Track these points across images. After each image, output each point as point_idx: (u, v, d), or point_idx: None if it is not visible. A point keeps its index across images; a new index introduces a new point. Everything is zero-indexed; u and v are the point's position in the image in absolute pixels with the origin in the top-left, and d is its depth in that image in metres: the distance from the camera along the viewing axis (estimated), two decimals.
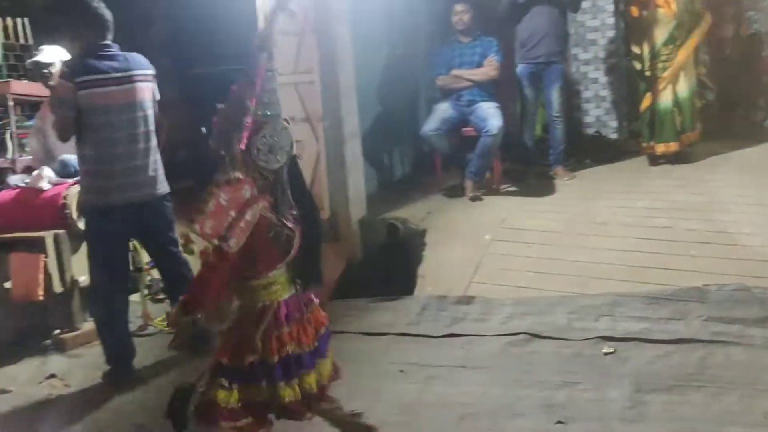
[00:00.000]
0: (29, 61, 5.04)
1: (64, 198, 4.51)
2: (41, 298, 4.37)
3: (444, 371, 3.73)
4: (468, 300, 4.62)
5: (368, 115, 6.04)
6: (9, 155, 5.97)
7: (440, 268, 5.05)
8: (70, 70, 3.66)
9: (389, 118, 6.70)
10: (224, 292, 2.47)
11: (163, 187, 4.03)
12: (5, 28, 6.72)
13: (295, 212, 2.51)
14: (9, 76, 6.57)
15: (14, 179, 4.89)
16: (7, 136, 6.06)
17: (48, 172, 4.70)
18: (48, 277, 4.39)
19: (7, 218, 4.53)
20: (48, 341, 4.53)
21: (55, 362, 4.30)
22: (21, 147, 5.88)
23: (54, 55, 4.81)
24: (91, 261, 4.00)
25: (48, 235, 4.43)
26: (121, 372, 3.95)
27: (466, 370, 3.74)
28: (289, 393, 2.48)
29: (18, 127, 6.00)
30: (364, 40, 5.81)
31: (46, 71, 4.79)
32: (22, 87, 6.00)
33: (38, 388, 3.96)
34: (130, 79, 3.85)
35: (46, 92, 5.18)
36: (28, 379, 4.06)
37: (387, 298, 4.80)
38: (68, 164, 4.79)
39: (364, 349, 4.11)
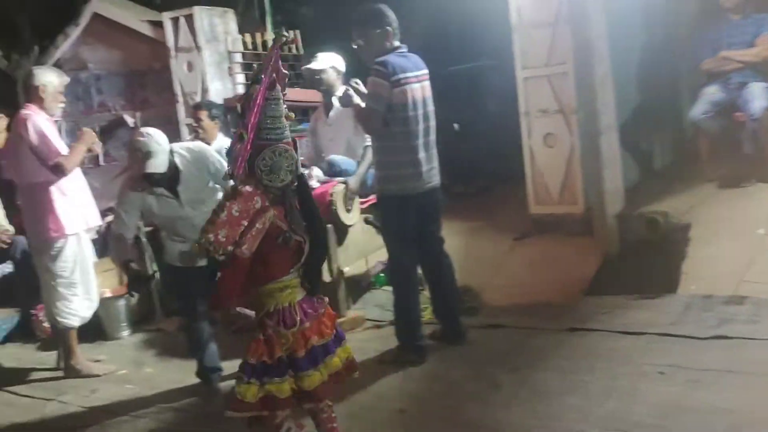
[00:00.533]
0: (303, 68, 5.52)
1: (331, 195, 4.87)
2: None
3: (709, 375, 3.49)
4: (739, 300, 4.27)
5: (625, 105, 5.77)
6: None
7: (706, 266, 4.70)
8: (386, 69, 3.95)
9: (648, 107, 6.35)
10: (242, 290, 2.74)
11: (438, 179, 4.27)
12: None
13: (304, 224, 2.78)
14: None
15: None
16: None
17: (317, 172, 5.09)
18: None
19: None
20: None
21: None
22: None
23: (326, 62, 5.23)
24: (389, 247, 4.29)
25: None
26: (413, 353, 4.17)
27: (734, 375, 3.46)
28: (316, 378, 2.75)
29: (292, 131, 6.58)
30: (621, 28, 5.56)
31: (317, 77, 5.22)
32: (295, 94, 6.57)
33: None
34: (423, 77, 4.15)
35: (318, 98, 5.66)
36: None
37: (646, 296, 4.58)
38: (335, 164, 5.16)
39: (619, 347, 3.97)
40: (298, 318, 2.76)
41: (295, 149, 2.78)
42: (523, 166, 5.71)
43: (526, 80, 5.62)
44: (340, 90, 5.22)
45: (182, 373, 4.48)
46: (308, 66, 5.36)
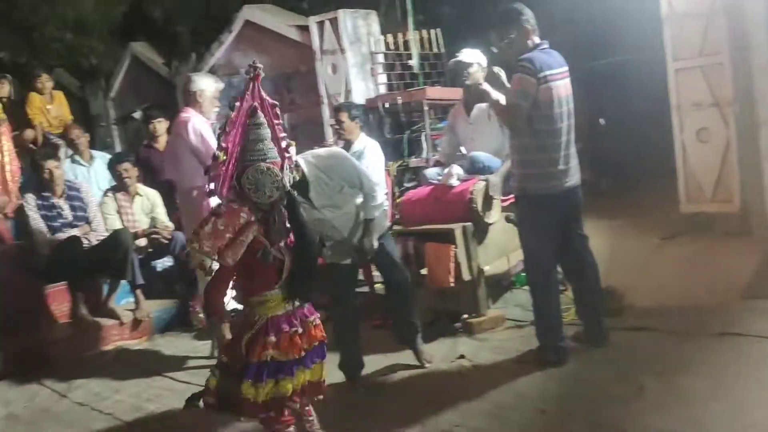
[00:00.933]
0: (451, 61, 5.51)
1: (471, 193, 4.86)
2: (452, 284, 4.78)
3: None
4: None
5: None
6: (423, 155, 6.64)
7: None
8: (532, 66, 3.94)
9: None
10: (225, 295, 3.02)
11: (579, 176, 4.19)
12: (421, 39, 7.46)
13: (287, 241, 2.96)
14: (423, 83, 7.29)
15: (431, 172, 5.37)
16: (422, 137, 6.74)
17: (457, 170, 5.08)
18: (457, 265, 4.77)
19: (424, 212, 5.04)
20: (458, 324, 4.92)
21: (464, 344, 4.65)
22: (434, 147, 6.49)
23: (473, 56, 5.21)
24: (526, 246, 4.26)
25: (457, 227, 4.81)
26: (554, 354, 4.12)
27: None
28: (252, 393, 2.89)
29: (432, 129, 6.64)
30: None
31: (465, 71, 5.20)
32: (435, 92, 6.62)
33: (450, 365, 4.33)
34: (565, 74, 4.09)
35: (457, 96, 5.65)
36: (442, 357, 4.45)
37: None
38: (477, 160, 5.11)
39: None
40: (269, 332, 2.93)
41: (286, 168, 2.98)
42: (672, 162, 5.47)
43: (678, 72, 5.40)
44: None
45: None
46: (457, 59, 5.34)
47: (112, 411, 4.25)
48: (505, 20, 4.10)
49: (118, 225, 5.98)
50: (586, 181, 4.31)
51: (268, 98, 3.07)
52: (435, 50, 7.47)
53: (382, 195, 4.15)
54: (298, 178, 3.26)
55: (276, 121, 3.07)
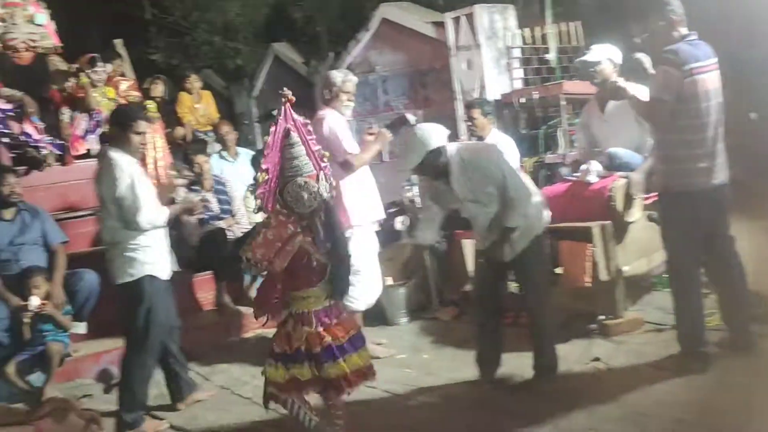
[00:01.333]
0: (577, 60, 5.40)
1: (610, 191, 4.70)
2: (588, 284, 4.66)
3: None
4: None
5: None
6: (560, 151, 6.49)
7: None
8: (677, 59, 3.81)
9: None
10: (277, 296, 3.37)
11: (726, 174, 3.98)
12: (559, 32, 7.30)
13: (327, 247, 3.34)
14: (561, 77, 7.13)
15: (566, 170, 5.26)
16: (559, 133, 6.59)
17: (596, 166, 4.93)
18: (594, 265, 4.64)
19: (559, 209, 4.90)
20: (593, 326, 4.78)
21: (600, 346, 4.51)
22: (571, 143, 6.33)
23: (601, 54, 5.05)
24: (669, 246, 4.11)
25: (595, 226, 4.67)
26: (695, 361, 3.94)
27: None
28: (338, 368, 3.31)
29: (569, 125, 6.48)
30: None
31: (592, 69, 5.07)
32: (573, 86, 6.46)
33: (584, 368, 4.22)
34: (713, 67, 3.92)
35: (594, 90, 5.48)
36: (576, 359, 4.35)
37: None
38: (616, 156, 4.93)
39: None
40: (313, 322, 3.34)
41: (322, 178, 3.36)
42: None
43: None
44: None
45: (457, 362, 4.64)
46: (582, 58, 5.23)
47: (251, 396, 4.43)
48: (650, 10, 3.94)
49: (259, 219, 6.22)
50: (734, 179, 4.07)
51: (299, 119, 3.44)
52: (574, 43, 7.29)
53: (531, 205, 3.99)
54: (334, 184, 3.58)
55: (309, 137, 3.42)
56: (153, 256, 4.14)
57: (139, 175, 4.13)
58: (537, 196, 4.13)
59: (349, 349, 3.36)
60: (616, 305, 4.73)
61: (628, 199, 4.75)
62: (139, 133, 4.20)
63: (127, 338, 4.22)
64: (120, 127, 4.24)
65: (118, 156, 4.11)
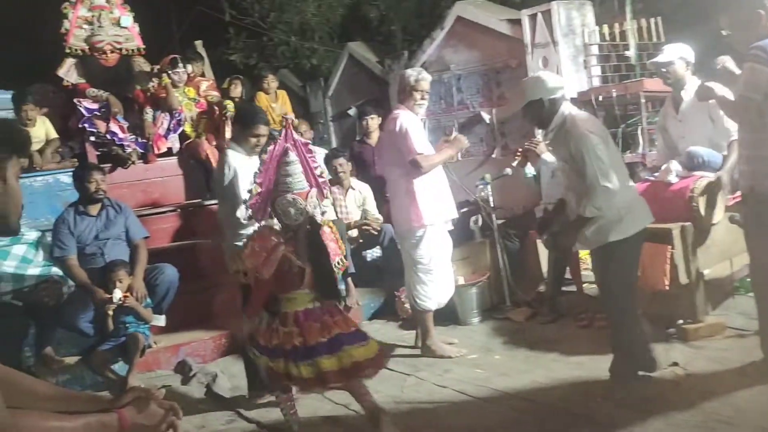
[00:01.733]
0: (650, 61, 5.27)
1: (692, 191, 4.56)
2: (667, 287, 4.53)
3: None
4: None
5: None
6: (639, 150, 6.33)
7: None
8: (765, 54, 3.66)
9: None
10: (265, 300, 3.69)
11: None
12: (639, 29, 7.12)
13: (309, 255, 3.63)
14: (641, 75, 6.95)
15: (646, 172, 5.13)
16: (638, 131, 6.43)
17: (675, 166, 4.79)
18: (673, 267, 4.51)
19: None
20: (671, 330, 4.65)
21: (678, 351, 4.39)
22: (651, 142, 6.16)
23: (672, 53, 4.93)
24: (756, 250, 3.91)
25: (675, 227, 4.54)
26: None
27: None
28: (330, 363, 3.53)
29: (649, 123, 6.31)
30: None
31: (664, 70, 4.96)
32: (654, 84, 6.28)
33: (661, 373, 4.08)
34: None
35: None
36: None
37: None
38: (696, 155, 4.78)
39: None
40: (289, 323, 3.61)
41: (311, 196, 3.65)
42: None
43: None
44: (690, 82, 4.90)
45: (529, 364, 4.58)
46: (654, 59, 5.12)
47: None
48: (736, 4, 3.79)
49: (333, 217, 6.30)
50: None
51: (300, 139, 3.81)
52: (654, 40, 7.10)
53: (608, 202, 3.75)
54: (327, 202, 3.97)
55: (309, 155, 3.76)
56: None
57: (243, 170, 4.39)
58: (624, 197, 3.84)
59: (321, 350, 3.55)
60: (696, 309, 4.59)
61: (711, 200, 4.60)
62: (255, 135, 4.60)
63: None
64: (240, 126, 4.79)
65: (230, 152, 4.59)
